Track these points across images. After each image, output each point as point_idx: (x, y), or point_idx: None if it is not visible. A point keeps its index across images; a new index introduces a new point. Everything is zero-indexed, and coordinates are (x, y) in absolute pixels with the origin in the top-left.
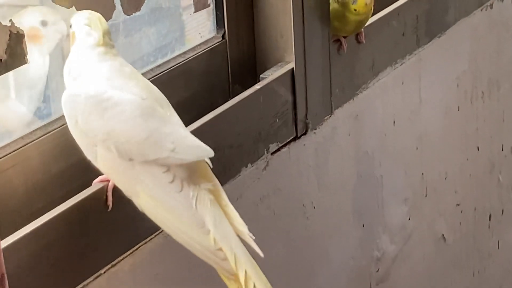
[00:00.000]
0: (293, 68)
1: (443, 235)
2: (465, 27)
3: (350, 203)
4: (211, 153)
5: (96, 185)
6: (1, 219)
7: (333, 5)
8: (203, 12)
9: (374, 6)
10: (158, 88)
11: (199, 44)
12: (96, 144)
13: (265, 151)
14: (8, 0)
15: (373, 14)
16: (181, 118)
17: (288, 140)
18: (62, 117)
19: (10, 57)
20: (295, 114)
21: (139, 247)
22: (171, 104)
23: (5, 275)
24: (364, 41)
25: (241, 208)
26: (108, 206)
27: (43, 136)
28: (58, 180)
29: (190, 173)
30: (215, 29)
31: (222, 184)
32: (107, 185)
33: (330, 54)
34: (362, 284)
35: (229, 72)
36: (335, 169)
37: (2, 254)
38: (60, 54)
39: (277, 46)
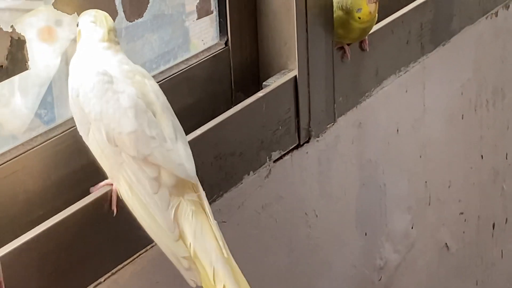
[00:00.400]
0: (296, 76)
1: (446, 243)
2: (470, 35)
3: (353, 211)
4: (189, 177)
5: (96, 192)
6: (1, 227)
7: (337, 12)
8: (206, 19)
9: (378, 14)
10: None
11: (202, 51)
12: (89, 122)
13: (268, 159)
14: (11, 4)
15: (377, 21)
16: (183, 125)
17: (291, 148)
18: (63, 124)
19: (11, 63)
20: (298, 122)
21: (139, 255)
22: (174, 110)
23: (3, 283)
24: (368, 49)
25: (243, 216)
26: (113, 211)
27: (44, 143)
28: (58, 188)
29: (176, 180)
30: (218, 36)
31: (224, 192)
32: (111, 189)
33: (333, 62)
34: None
35: (232, 79)
36: (338, 177)
37: None
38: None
39: (280, 54)
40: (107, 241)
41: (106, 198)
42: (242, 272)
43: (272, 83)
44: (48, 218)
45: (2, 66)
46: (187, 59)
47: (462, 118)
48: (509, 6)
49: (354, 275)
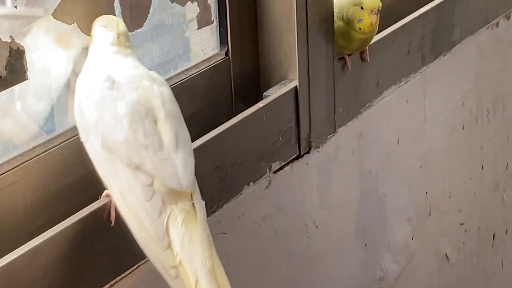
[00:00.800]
0: (296, 86)
1: (446, 254)
2: (471, 46)
3: (353, 222)
4: (181, 187)
5: (95, 203)
6: (0, 237)
7: (338, 22)
8: (207, 29)
9: (379, 24)
10: None
11: (202, 61)
12: (89, 128)
13: (268, 170)
14: (12, 11)
15: (378, 32)
16: None
17: (291, 158)
18: (62, 134)
19: (10, 74)
20: (298, 133)
21: (138, 266)
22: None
23: None
24: (368, 60)
25: (243, 227)
26: (111, 222)
27: (43, 154)
28: (58, 198)
29: (169, 188)
30: (219, 46)
31: (224, 203)
32: (110, 201)
33: (334, 72)
34: None
35: (232, 89)
36: (338, 188)
37: None
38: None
39: (281, 64)
40: (106, 252)
41: (105, 209)
42: (229, 284)
43: (273, 93)
44: (47, 229)
45: (1, 76)
46: (187, 69)
47: (463, 129)
48: (510, 16)
49: (354, 286)
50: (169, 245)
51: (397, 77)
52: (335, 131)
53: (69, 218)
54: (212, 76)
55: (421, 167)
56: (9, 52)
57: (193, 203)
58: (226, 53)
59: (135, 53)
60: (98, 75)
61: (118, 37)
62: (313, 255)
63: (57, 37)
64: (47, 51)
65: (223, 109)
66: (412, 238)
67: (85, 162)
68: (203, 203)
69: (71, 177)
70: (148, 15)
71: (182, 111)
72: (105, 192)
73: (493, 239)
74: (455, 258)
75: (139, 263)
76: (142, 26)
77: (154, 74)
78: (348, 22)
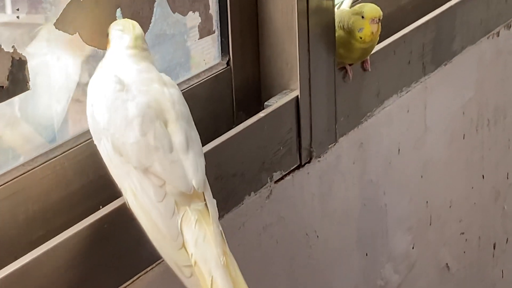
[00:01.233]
0: (298, 96)
1: (447, 264)
2: (472, 55)
3: (354, 231)
4: (189, 189)
5: (96, 213)
6: (1, 247)
7: (339, 32)
8: (208, 39)
9: (380, 34)
10: None
11: (204, 71)
12: (100, 131)
13: (269, 180)
14: (13, 19)
15: (379, 41)
16: None
17: (292, 168)
18: (63, 145)
19: (11, 84)
20: (299, 142)
21: (139, 277)
22: None
23: None
24: (369, 69)
25: (244, 237)
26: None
27: (44, 164)
28: (59, 208)
29: (180, 190)
30: (220, 55)
31: (225, 213)
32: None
33: (335, 82)
34: None
35: (234, 99)
36: (339, 197)
37: None
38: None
39: (282, 73)
40: (107, 262)
41: (106, 218)
42: (243, 279)
43: (274, 103)
44: (49, 239)
45: (3, 86)
46: (188, 79)
47: (464, 138)
48: (510, 26)
49: None
50: (183, 245)
51: (398, 86)
52: (336, 141)
53: (70, 228)
54: (213, 86)
55: (421, 176)
56: (11, 62)
57: (205, 203)
58: (228, 63)
59: (152, 56)
60: (109, 77)
61: (135, 40)
62: (314, 264)
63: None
64: (48, 60)
65: (224, 118)
66: (413, 248)
67: (85, 172)
68: (215, 201)
69: (72, 188)
70: (150, 25)
71: None
72: None
73: (494, 248)
74: (456, 268)
75: (140, 274)
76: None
77: (165, 77)
78: (349, 32)
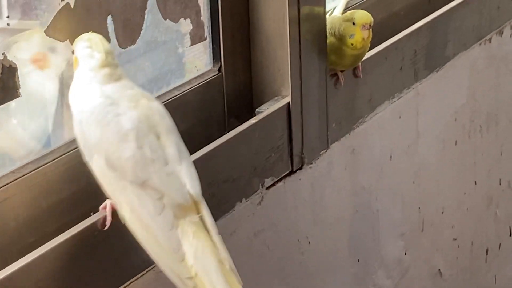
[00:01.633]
0: (289, 102)
1: (439, 270)
2: (464, 61)
3: (346, 238)
4: (187, 201)
5: (88, 219)
6: None
7: (330, 38)
8: (200, 45)
9: (371, 40)
10: None
11: (195, 77)
12: (92, 147)
13: (260, 186)
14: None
15: (371, 48)
16: None
17: (284, 174)
18: (53, 151)
19: (1, 91)
20: (291, 149)
21: (130, 283)
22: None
23: None
24: (361, 76)
25: (235, 243)
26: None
27: (35, 170)
28: (50, 215)
29: (178, 202)
30: (211, 62)
31: (216, 219)
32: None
33: (327, 88)
34: None
35: (225, 105)
36: (331, 204)
37: None
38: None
39: (274, 80)
40: (98, 268)
41: (97, 225)
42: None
43: (266, 109)
44: (40, 246)
45: None
46: (180, 85)
47: (456, 144)
48: (503, 32)
49: None
50: (184, 257)
51: (390, 93)
52: (328, 147)
53: (61, 235)
54: (205, 92)
55: (414, 182)
56: (1, 69)
57: (200, 216)
58: (219, 69)
59: (125, 72)
60: (95, 95)
61: (106, 57)
62: (306, 271)
63: (34, 57)
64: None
65: (215, 125)
66: (405, 254)
67: (77, 179)
68: (208, 210)
69: (63, 194)
70: (141, 32)
71: None
72: (102, 206)
73: (486, 254)
74: (448, 274)
75: (131, 280)
76: (135, 42)
77: (146, 93)
78: (340, 38)
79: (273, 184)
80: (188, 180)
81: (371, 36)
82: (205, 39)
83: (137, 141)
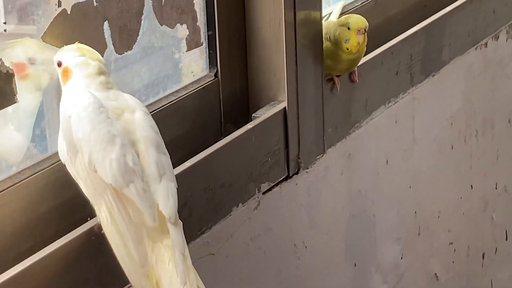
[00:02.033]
0: (285, 107)
1: (436, 274)
2: (460, 66)
3: (342, 242)
4: (152, 220)
5: (84, 225)
6: None
7: (326, 43)
8: (196, 51)
9: (367, 45)
10: None
11: (192, 83)
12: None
13: (257, 191)
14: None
15: (367, 53)
16: (172, 156)
17: (280, 179)
18: (50, 157)
19: None
20: (287, 154)
21: None
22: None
23: None
24: (357, 80)
25: (232, 248)
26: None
27: (31, 176)
28: (47, 220)
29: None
30: (208, 67)
31: (213, 224)
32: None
33: (323, 93)
34: None
35: (222, 110)
36: (327, 208)
37: None
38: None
39: (270, 85)
40: (95, 273)
41: (94, 227)
42: None
43: (262, 114)
44: (36, 251)
45: None
46: (176, 91)
47: (452, 149)
48: (498, 37)
49: None
50: (153, 275)
51: (386, 97)
52: (324, 152)
53: (57, 241)
54: (201, 98)
55: (410, 187)
56: None
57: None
58: (215, 75)
59: (113, 81)
60: (90, 95)
61: (100, 66)
62: (302, 275)
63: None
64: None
65: (212, 130)
66: (402, 258)
67: (73, 184)
68: (180, 230)
69: (59, 200)
70: (138, 37)
71: (171, 133)
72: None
73: (483, 258)
74: (445, 278)
75: (128, 285)
76: (132, 48)
77: (132, 100)
78: (336, 43)
79: (270, 189)
80: (162, 200)
81: (366, 40)
82: (202, 44)
83: (121, 148)
